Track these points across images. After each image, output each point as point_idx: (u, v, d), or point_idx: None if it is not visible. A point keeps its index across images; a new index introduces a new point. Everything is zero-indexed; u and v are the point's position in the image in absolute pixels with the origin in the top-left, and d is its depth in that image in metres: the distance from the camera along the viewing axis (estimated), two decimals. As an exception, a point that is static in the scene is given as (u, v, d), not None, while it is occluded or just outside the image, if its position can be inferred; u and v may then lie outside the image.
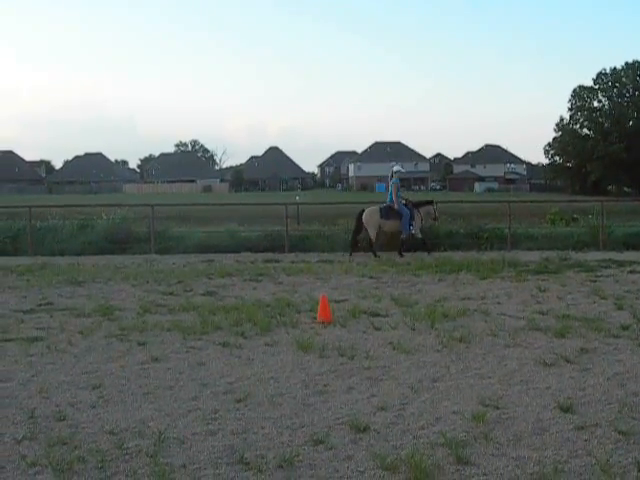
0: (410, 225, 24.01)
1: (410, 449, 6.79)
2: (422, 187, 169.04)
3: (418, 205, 24.85)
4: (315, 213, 37.58)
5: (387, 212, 24.23)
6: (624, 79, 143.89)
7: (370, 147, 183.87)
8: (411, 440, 7.09)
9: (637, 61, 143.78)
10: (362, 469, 6.45)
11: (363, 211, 24.54)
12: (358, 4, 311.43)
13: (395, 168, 25.17)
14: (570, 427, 7.42)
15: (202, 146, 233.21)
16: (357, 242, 24.60)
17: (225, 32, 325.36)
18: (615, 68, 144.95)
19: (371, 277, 18.38)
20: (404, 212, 24.02)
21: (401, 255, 23.54)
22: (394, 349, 10.70)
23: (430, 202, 25.31)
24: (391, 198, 24.26)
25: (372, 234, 24.16)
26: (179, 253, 25.37)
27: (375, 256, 23.44)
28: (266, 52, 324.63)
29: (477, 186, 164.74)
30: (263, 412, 7.99)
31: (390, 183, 24.80)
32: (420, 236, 24.39)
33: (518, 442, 7.03)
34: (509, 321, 12.60)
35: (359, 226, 24.45)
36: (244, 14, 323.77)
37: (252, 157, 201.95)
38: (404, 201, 24.71)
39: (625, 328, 11.95)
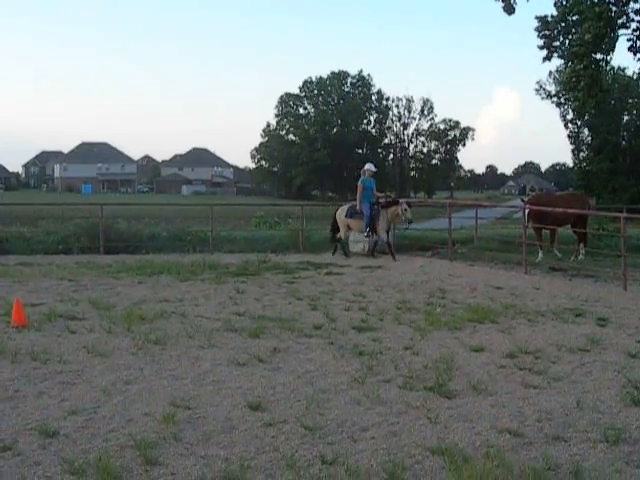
0: (368, 227, 23.95)
1: (98, 452, 6.79)
2: (129, 189, 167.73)
3: (388, 205, 24.50)
4: (16, 214, 36.59)
5: (352, 211, 24.35)
6: (329, 87, 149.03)
7: (77, 148, 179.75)
8: (100, 443, 7.08)
9: (342, 71, 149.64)
10: (49, 474, 6.39)
11: (337, 210, 24.97)
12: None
13: (366, 166, 25.12)
14: (259, 424, 7.67)
15: None
16: (338, 239, 24.81)
17: None
18: (321, 77, 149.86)
19: (70, 280, 17.93)
20: (365, 213, 23.98)
21: (394, 258, 23.49)
22: (89, 352, 10.59)
23: (397, 202, 24.72)
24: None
25: (341, 232, 24.59)
26: None
27: (335, 253, 24.69)
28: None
29: (184, 189, 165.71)
30: (-52, 421, 7.69)
31: (360, 181, 24.65)
32: (385, 239, 24.27)
33: (207, 441, 7.20)
34: (205, 322, 12.79)
35: (335, 224, 24.78)
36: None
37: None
38: (373, 200, 24.35)
39: (318, 328, 12.47)
